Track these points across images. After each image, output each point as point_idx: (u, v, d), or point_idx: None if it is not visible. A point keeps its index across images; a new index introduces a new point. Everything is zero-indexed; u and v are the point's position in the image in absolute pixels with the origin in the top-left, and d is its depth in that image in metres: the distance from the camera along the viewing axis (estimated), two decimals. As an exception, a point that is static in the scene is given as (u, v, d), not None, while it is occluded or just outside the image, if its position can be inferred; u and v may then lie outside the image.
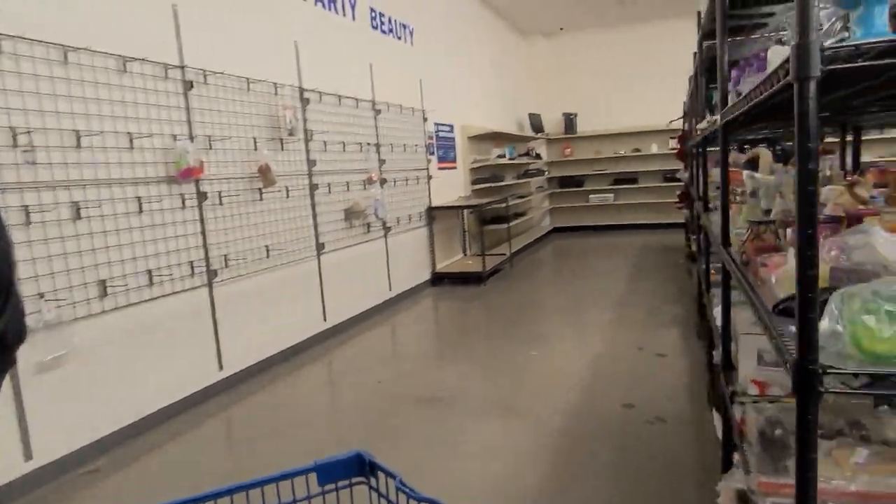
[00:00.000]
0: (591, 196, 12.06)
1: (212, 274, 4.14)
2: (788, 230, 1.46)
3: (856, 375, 0.86)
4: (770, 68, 1.21)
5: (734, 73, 1.76)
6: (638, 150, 11.69)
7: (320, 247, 5.42)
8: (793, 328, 1.10)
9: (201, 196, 4.05)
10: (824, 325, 0.97)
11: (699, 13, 3.34)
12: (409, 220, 7.11)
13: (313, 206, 5.33)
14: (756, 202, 2.20)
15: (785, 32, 2.78)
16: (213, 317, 4.17)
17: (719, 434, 2.55)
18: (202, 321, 4.11)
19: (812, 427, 0.90)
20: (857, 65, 0.81)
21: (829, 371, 0.88)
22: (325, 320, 5.50)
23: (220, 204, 4.23)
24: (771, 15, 2.75)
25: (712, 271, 3.56)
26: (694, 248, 4.98)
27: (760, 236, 1.68)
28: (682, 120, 8.47)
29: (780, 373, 1.95)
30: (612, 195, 11.91)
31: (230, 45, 4.40)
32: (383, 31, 6.77)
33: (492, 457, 3.06)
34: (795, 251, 0.90)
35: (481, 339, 5.30)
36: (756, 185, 2.55)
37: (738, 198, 3.27)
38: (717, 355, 3.48)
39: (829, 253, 1.21)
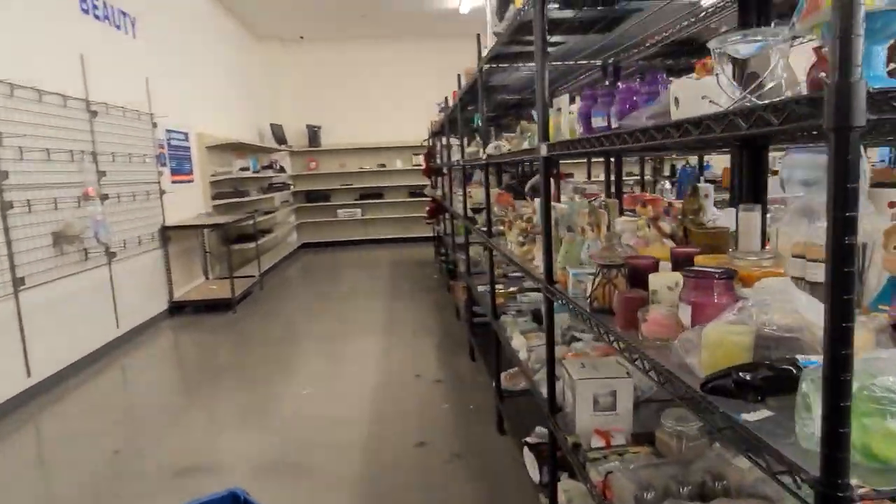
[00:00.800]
0: (338, 211, 11.82)
1: None
2: (672, 279, 1.34)
3: (893, 499, 0.70)
4: (685, 106, 1.04)
5: (581, 104, 1.63)
6: (383, 165, 11.81)
7: (19, 282, 4.22)
8: (745, 416, 0.93)
9: None
10: (809, 426, 0.79)
11: (479, 36, 3.29)
12: (138, 242, 6.02)
13: (6, 229, 4.12)
14: (575, 236, 2.13)
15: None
16: None
17: (534, 474, 2.45)
18: None
19: (842, 568, 0.71)
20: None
21: (864, 497, 0.70)
22: (29, 375, 4.30)
23: None
24: (557, 44, 2.77)
25: (499, 295, 3.54)
26: (462, 267, 5.02)
27: (612, 282, 1.55)
28: (431, 139, 8.71)
29: (615, 416, 1.87)
30: (359, 210, 11.83)
31: None
32: (97, 17, 5.63)
33: (280, 536, 2.57)
34: (824, 350, 0.70)
35: (241, 380, 4.63)
36: (554, 214, 2.52)
37: (520, 222, 3.28)
38: (508, 381, 3.46)
39: (738, 314, 1.08)
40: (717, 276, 1.16)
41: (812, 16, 0.74)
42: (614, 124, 1.41)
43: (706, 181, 6.75)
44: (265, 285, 8.17)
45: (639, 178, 5.66)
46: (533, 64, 3.23)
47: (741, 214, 1.80)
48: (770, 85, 0.90)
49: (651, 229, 2.21)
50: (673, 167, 8.42)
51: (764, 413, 0.92)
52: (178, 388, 4.69)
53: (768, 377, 0.95)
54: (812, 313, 1.00)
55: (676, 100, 1.07)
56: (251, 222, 8.12)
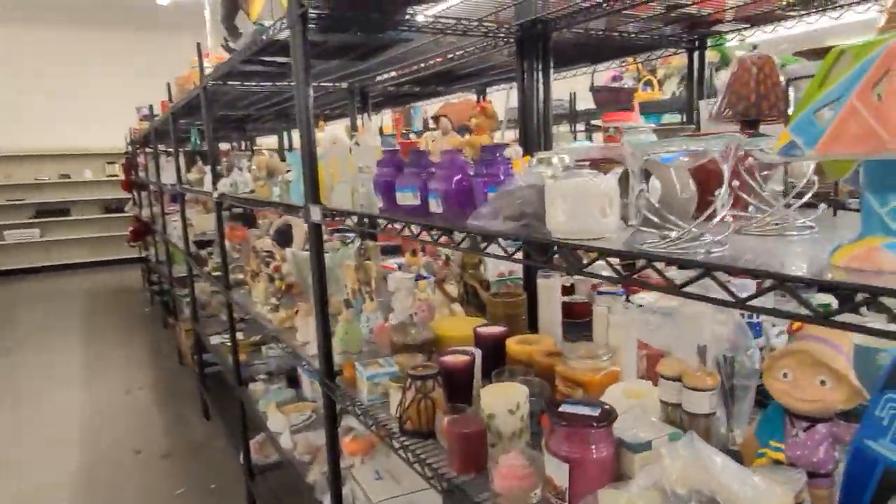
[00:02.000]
0: (6, 233, 9.46)
1: None
2: (512, 399, 1.04)
3: None
4: (574, 216, 0.74)
5: (378, 170, 1.23)
6: (67, 175, 9.79)
7: None
8: None
9: None
10: None
11: (199, 44, 2.67)
12: None
13: None
14: (353, 312, 1.74)
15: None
16: None
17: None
18: None
19: None
20: None
21: None
22: None
23: None
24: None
25: (240, 347, 2.97)
26: (186, 309, 4.27)
27: (429, 396, 1.22)
28: (132, 147, 7.43)
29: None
30: (37, 230, 9.64)
31: None
32: None
33: None
34: None
35: None
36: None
37: (268, 270, 2.78)
38: (258, 452, 2.94)
39: (644, 478, 0.84)
40: (595, 423, 0.90)
41: (851, 150, 0.49)
42: (436, 207, 1.08)
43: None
44: None
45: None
46: (269, 83, 2.75)
47: (540, 282, 1.64)
48: (722, 213, 0.66)
49: (436, 293, 1.95)
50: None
51: None
52: None
53: None
54: (732, 480, 0.79)
55: (554, 201, 0.78)
56: None
